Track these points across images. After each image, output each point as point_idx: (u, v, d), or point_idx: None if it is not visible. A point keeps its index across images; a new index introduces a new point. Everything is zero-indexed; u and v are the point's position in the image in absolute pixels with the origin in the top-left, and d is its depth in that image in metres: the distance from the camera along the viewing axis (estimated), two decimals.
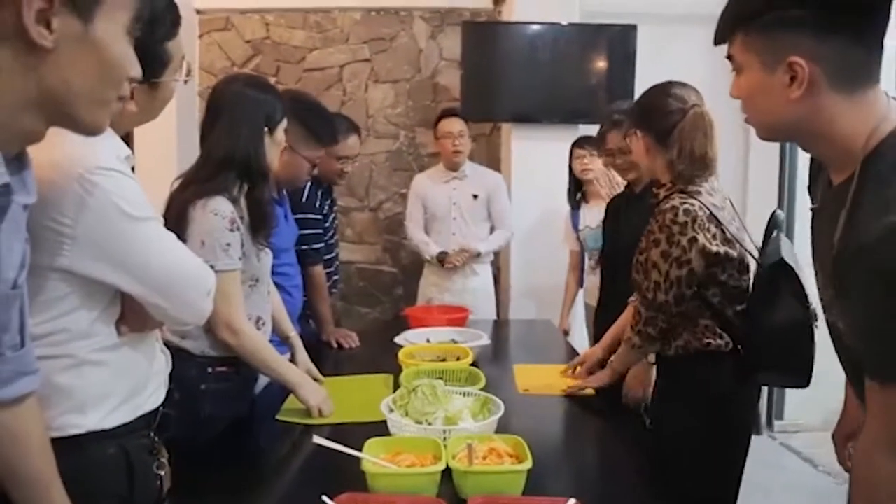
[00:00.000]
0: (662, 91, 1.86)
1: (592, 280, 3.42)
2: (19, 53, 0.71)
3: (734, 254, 1.78)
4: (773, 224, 1.81)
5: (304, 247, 2.56)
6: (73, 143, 1.08)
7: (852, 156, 0.99)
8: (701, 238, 1.73)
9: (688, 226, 1.72)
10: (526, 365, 2.35)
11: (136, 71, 0.82)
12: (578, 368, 2.20)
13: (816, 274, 1.16)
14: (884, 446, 0.95)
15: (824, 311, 1.15)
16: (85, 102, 0.78)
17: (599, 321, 2.72)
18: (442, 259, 3.48)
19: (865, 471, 1.00)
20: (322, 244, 2.71)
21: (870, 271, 0.90)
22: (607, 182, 3.16)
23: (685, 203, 1.74)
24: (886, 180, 0.94)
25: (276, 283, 2.08)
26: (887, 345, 0.92)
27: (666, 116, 1.80)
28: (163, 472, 1.31)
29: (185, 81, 1.28)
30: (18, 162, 0.79)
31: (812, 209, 1.18)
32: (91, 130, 0.80)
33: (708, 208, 1.75)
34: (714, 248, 1.74)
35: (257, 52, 4.41)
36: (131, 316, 1.21)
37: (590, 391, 2.01)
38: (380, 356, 2.43)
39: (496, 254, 3.94)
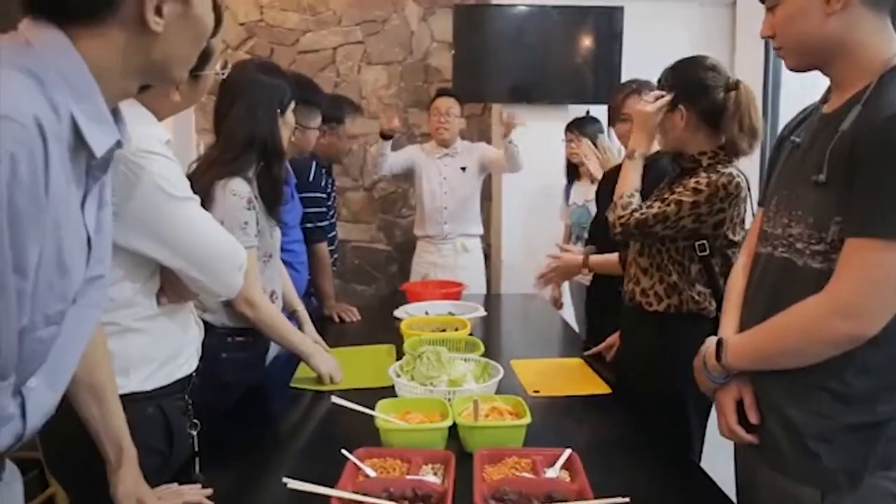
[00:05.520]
0: (700, 66, 1.88)
1: None
2: (133, 35, 0.84)
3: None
4: None
5: (310, 225, 2.67)
6: None
7: (867, 73, 1.14)
8: (731, 215, 1.80)
9: (729, 199, 1.78)
10: (523, 360, 2.14)
11: (212, 26, 0.95)
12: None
13: (772, 207, 1.30)
14: (841, 310, 1.10)
15: (769, 247, 1.29)
16: (179, 66, 0.92)
17: (592, 296, 2.77)
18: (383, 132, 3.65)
19: (815, 334, 1.15)
20: (326, 222, 2.82)
21: None
22: (595, 159, 3.24)
23: (739, 177, 1.80)
24: None
25: (283, 260, 2.18)
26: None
27: (710, 92, 1.84)
28: (195, 432, 1.44)
29: (222, 75, 1.39)
30: (115, 114, 0.92)
31: (793, 141, 1.31)
32: (175, 82, 0.96)
33: (746, 190, 1.83)
34: (737, 230, 1.82)
35: (251, 35, 4.47)
36: (169, 288, 1.33)
37: (607, 389, 1.93)
38: (380, 329, 2.55)
39: (487, 231, 4.05)
